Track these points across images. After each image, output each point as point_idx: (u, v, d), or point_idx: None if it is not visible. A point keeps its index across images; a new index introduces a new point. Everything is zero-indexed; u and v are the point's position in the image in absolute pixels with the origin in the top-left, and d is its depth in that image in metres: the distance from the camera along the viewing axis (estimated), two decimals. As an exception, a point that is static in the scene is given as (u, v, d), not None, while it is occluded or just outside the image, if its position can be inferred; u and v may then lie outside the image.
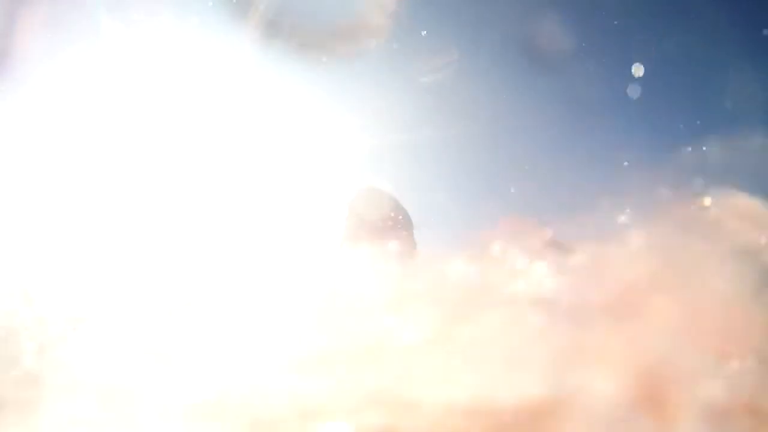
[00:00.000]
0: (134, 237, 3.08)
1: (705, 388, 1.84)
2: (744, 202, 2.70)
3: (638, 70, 3.18)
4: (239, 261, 3.06)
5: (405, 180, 3.42)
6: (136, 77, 3.23)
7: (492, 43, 3.77)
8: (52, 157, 3.23)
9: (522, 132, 3.76)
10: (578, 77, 3.72)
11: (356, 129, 3.50)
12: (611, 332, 1.97)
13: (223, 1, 3.18)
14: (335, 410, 1.91)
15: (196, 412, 1.88)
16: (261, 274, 2.94)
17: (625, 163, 3.37)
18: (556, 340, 1.94)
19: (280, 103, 3.48)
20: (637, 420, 1.77)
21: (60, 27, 3.26)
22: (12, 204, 2.99)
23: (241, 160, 3.42)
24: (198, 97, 3.38)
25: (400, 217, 3.10)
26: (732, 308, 2.10)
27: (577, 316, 2.05)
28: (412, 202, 3.21)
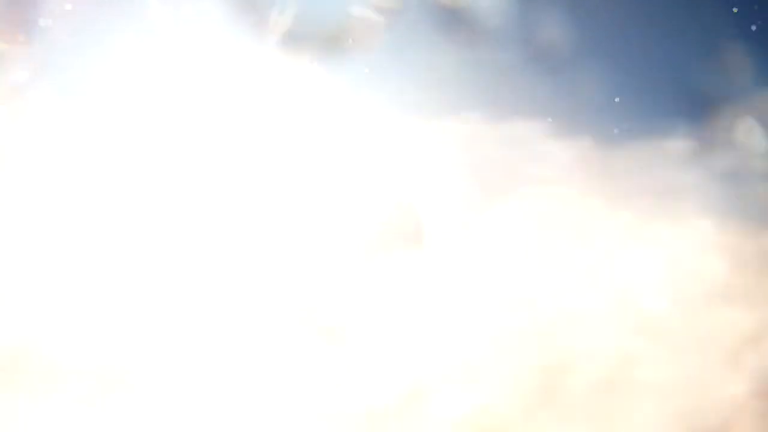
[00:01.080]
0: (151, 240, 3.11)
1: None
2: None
3: None
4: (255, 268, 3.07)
5: (411, 180, 3.40)
6: (138, 77, 3.25)
7: (510, 39, 3.72)
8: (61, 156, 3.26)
9: (530, 133, 3.73)
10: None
11: (362, 130, 3.49)
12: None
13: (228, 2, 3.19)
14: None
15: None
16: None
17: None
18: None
19: (286, 105, 3.48)
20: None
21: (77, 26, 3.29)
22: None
23: (251, 163, 3.42)
24: (202, 99, 3.39)
25: (410, 217, 3.10)
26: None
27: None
28: (419, 203, 3.20)
